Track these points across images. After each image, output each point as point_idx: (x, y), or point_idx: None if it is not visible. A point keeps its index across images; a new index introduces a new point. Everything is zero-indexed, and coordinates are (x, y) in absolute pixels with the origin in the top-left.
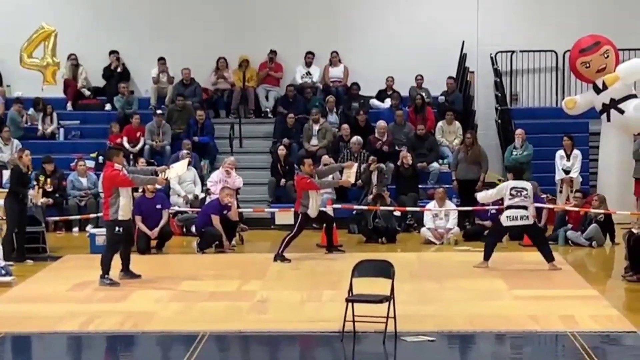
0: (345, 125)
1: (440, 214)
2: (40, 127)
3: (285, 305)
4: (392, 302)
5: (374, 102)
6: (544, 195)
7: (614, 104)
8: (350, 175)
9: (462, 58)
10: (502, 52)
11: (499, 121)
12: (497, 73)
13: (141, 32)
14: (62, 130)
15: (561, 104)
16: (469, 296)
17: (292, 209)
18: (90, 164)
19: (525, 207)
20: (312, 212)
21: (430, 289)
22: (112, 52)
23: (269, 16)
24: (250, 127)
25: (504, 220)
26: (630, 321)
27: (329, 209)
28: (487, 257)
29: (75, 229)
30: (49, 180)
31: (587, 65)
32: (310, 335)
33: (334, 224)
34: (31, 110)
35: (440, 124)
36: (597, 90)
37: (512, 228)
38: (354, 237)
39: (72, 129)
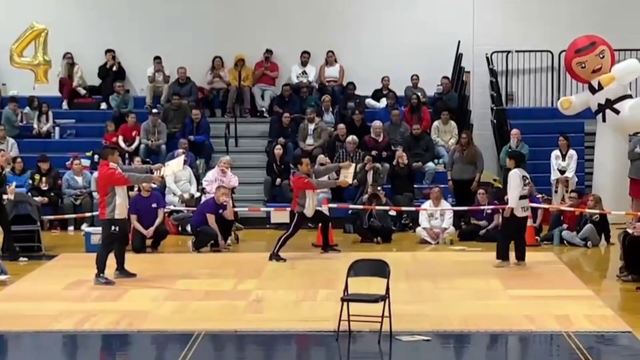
0: (341, 125)
1: (436, 214)
2: (35, 125)
3: (280, 304)
4: (387, 301)
5: (370, 101)
6: (540, 195)
7: (610, 104)
8: (347, 175)
9: (458, 58)
10: (497, 52)
11: (495, 121)
12: (492, 73)
13: (137, 31)
14: (57, 129)
15: (557, 104)
16: (465, 296)
17: (288, 208)
18: (86, 162)
19: (527, 197)
20: (309, 211)
21: (426, 288)
22: (107, 51)
23: (265, 15)
24: (246, 126)
25: (520, 212)
26: (625, 321)
27: (324, 209)
28: (507, 254)
29: (71, 228)
30: (44, 179)
31: (583, 65)
32: (306, 335)
33: (330, 224)
34: (27, 109)
35: (435, 123)
36: (593, 91)
37: (524, 219)
38: (350, 237)
39: (67, 127)
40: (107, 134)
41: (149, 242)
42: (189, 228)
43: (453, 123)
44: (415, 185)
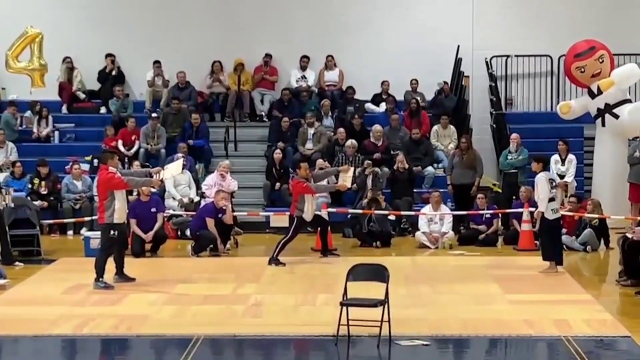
0: (341, 129)
1: (435, 218)
2: (35, 130)
3: (279, 308)
4: (386, 306)
5: (369, 106)
6: None
7: (609, 108)
8: (346, 179)
9: (457, 62)
10: (497, 56)
11: (494, 125)
12: (492, 77)
13: (136, 35)
14: (57, 133)
15: (556, 108)
16: (464, 300)
17: (287, 213)
18: (85, 167)
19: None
20: (308, 216)
21: (425, 293)
22: (107, 55)
23: (264, 20)
24: (245, 130)
25: (550, 214)
26: (624, 325)
27: (323, 213)
28: (559, 258)
29: (70, 232)
30: (43, 183)
31: (582, 70)
32: (305, 339)
33: (329, 228)
34: (28, 113)
35: (435, 128)
36: (592, 95)
37: (557, 220)
38: (349, 241)
39: (67, 132)
40: (106, 138)
41: (148, 246)
42: (188, 232)
43: (452, 127)
44: (414, 190)
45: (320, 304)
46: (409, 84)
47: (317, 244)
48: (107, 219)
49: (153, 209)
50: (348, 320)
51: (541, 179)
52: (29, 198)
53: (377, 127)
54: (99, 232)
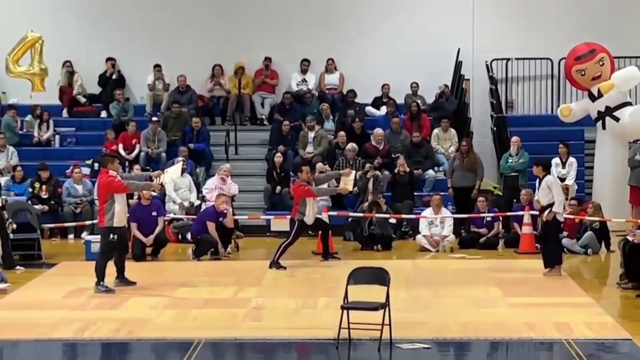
0: (342, 133)
1: (436, 221)
2: (36, 134)
3: (280, 312)
4: (387, 309)
5: (370, 109)
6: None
7: (609, 111)
8: (347, 182)
9: (458, 65)
10: (497, 59)
11: (495, 129)
12: (492, 80)
13: (137, 39)
14: (57, 137)
15: (556, 111)
16: (464, 303)
17: (288, 216)
18: (86, 171)
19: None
20: (309, 219)
21: (426, 296)
22: (108, 59)
23: (265, 23)
24: (246, 134)
25: (561, 216)
26: (625, 328)
27: (324, 216)
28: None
29: (71, 236)
30: (44, 187)
31: (583, 72)
32: (306, 343)
33: (330, 231)
34: (28, 117)
35: (435, 131)
36: (593, 98)
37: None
38: (350, 244)
39: (67, 135)
40: (107, 142)
41: (149, 250)
42: (189, 236)
43: (453, 131)
44: (415, 193)
45: (321, 308)
46: (410, 87)
47: (318, 248)
48: (107, 222)
49: (154, 213)
50: (349, 323)
51: (552, 180)
52: (29, 202)
53: (378, 130)
54: (100, 236)
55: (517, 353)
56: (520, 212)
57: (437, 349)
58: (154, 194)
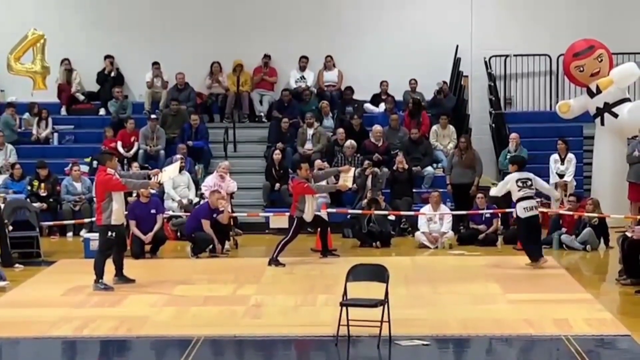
0: (340, 130)
1: (435, 218)
2: (34, 131)
3: (279, 309)
4: (386, 306)
5: (368, 106)
6: (538, 199)
7: (608, 107)
8: (347, 179)
9: (456, 62)
10: (496, 56)
11: (493, 125)
12: (491, 77)
13: (135, 37)
14: (56, 135)
15: (555, 108)
16: (464, 300)
17: (287, 213)
18: (85, 168)
19: (533, 197)
20: (308, 216)
21: (425, 293)
22: (106, 57)
23: (263, 21)
24: (245, 131)
25: (522, 212)
26: (624, 324)
27: (323, 213)
28: (539, 254)
29: (70, 234)
30: (43, 185)
31: (581, 69)
32: (305, 340)
33: (329, 228)
34: (26, 115)
35: (434, 128)
36: (591, 94)
37: (532, 218)
38: (349, 241)
39: (66, 133)
40: (105, 139)
41: (147, 247)
42: None
43: (452, 127)
44: (414, 190)
45: (320, 305)
46: (408, 84)
47: (317, 245)
48: (105, 220)
49: (152, 210)
50: (348, 320)
51: (510, 176)
52: (28, 200)
53: (377, 127)
54: (98, 234)
55: (516, 349)
56: None
57: (436, 345)
58: (153, 191)
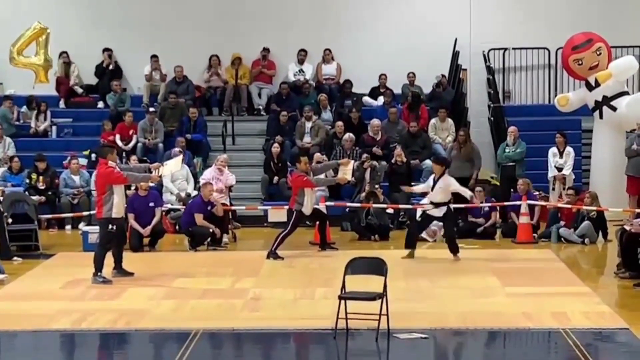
0: (339, 123)
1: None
2: (33, 124)
3: (278, 302)
4: (385, 299)
5: (367, 99)
6: (537, 193)
7: (607, 101)
8: (346, 172)
9: (455, 55)
10: (494, 49)
11: (492, 118)
12: (489, 70)
13: (134, 30)
14: (54, 128)
15: (554, 101)
16: (462, 293)
17: (286, 207)
18: (83, 161)
19: None
20: (307, 209)
21: (423, 286)
22: (104, 50)
23: (262, 14)
24: (243, 124)
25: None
26: (622, 318)
27: (321, 207)
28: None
29: (68, 227)
30: (41, 178)
31: (580, 62)
32: (303, 333)
33: (327, 222)
34: (24, 108)
35: (433, 121)
36: (590, 88)
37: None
38: (347, 235)
39: (64, 126)
40: (104, 132)
41: (146, 240)
42: None
43: (450, 121)
44: (412, 183)
45: (319, 298)
46: (407, 77)
47: (315, 238)
48: (106, 213)
49: (151, 204)
50: (347, 313)
51: (452, 180)
52: (26, 193)
53: (375, 121)
54: (97, 227)
55: (514, 343)
56: (518, 202)
57: (435, 338)
58: (151, 185)
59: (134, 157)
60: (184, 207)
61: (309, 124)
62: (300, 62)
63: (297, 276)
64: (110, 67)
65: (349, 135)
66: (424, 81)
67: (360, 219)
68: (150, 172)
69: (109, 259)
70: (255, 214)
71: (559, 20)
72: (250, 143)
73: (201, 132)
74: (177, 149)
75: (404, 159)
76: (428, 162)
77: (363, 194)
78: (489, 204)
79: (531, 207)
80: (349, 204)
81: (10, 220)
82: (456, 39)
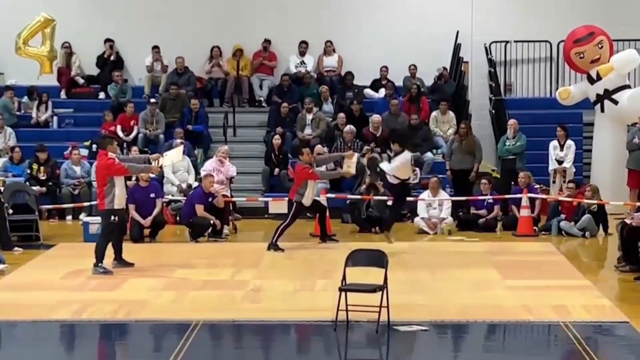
0: (341, 114)
1: (434, 204)
2: (34, 115)
3: (278, 294)
4: (385, 291)
5: (368, 91)
6: (538, 186)
7: (608, 94)
8: (350, 165)
9: (457, 48)
10: (496, 42)
11: (493, 111)
12: (491, 63)
13: (135, 21)
14: (55, 118)
15: (555, 94)
16: (462, 286)
17: (286, 198)
18: (84, 152)
19: None
20: (307, 201)
21: (424, 278)
22: (106, 40)
23: (263, 5)
24: (244, 116)
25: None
26: (622, 311)
27: (322, 198)
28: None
29: (69, 217)
30: (42, 168)
31: (581, 55)
32: (304, 324)
33: (327, 213)
34: (25, 99)
35: (434, 114)
36: (591, 81)
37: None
38: (348, 227)
39: (65, 117)
40: (105, 123)
41: (147, 231)
42: None
43: (451, 113)
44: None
45: (319, 290)
46: (408, 69)
47: (316, 230)
48: (107, 205)
49: (152, 195)
50: (347, 305)
51: (409, 156)
52: (27, 183)
53: (375, 117)
54: (98, 217)
55: (514, 335)
56: (518, 195)
57: (435, 331)
58: (152, 176)
59: (134, 148)
60: (185, 198)
61: (309, 116)
62: (302, 54)
63: (297, 268)
64: (112, 57)
65: (349, 128)
66: (425, 73)
67: (361, 211)
68: (150, 163)
69: (109, 250)
70: (255, 206)
71: (561, 13)
72: (251, 135)
73: (202, 124)
74: (178, 141)
75: None
76: (429, 154)
77: (363, 186)
78: (492, 197)
79: (532, 200)
80: (349, 196)
81: (11, 211)
82: (458, 32)
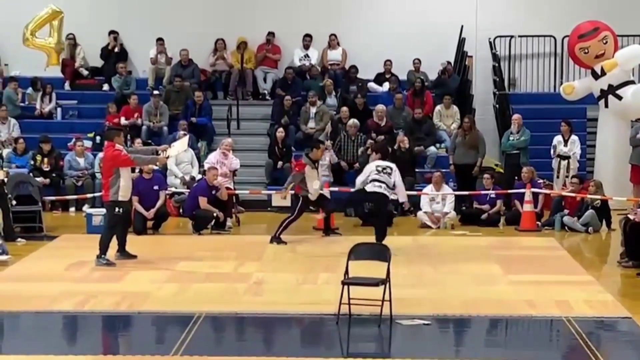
0: (345, 108)
1: (437, 198)
2: (38, 106)
3: (281, 287)
4: (387, 285)
5: (372, 85)
6: (541, 181)
7: (612, 90)
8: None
9: (461, 42)
10: (500, 36)
11: (497, 106)
12: (495, 58)
13: (140, 13)
14: (59, 109)
15: (559, 89)
16: (465, 280)
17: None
18: (88, 144)
19: (384, 182)
20: (313, 195)
21: (426, 272)
22: (110, 32)
23: None
24: (248, 108)
25: (368, 187)
26: (625, 307)
27: (325, 192)
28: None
29: (72, 209)
30: (45, 159)
31: (586, 50)
32: (306, 318)
33: (331, 206)
34: (29, 90)
35: (438, 108)
36: (596, 76)
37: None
38: (351, 220)
39: (69, 108)
40: (109, 115)
41: (150, 223)
42: None
43: (455, 107)
44: (416, 170)
45: (322, 283)
46: (412, 63)
47: (319, 223)
48: (112, 196)
49: (155, 187)
50: (349, 299)
51: (372, 164)
52: (31, 174)
53: (380, 106)
54: (101, 209)
55: (517, 330)
56: (522, 190)
57: (437, 325)
58: (155, 168)
59: (138, 140)
60: (188, 190)
61: (313, 109)
62: (306, 47)
63: (300, 261)
64: (116, 49)
65: (353, 121)
66: (429, 68)
67: (364, 205)
68: (157, 154)
69: (112, 242)
70: (258, 199)
71: (565, 8)
72: (255, 127)
73: (206, 116)
74: (182, 132)
75: (407, 146)
76: (432, 148)
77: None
78: (495, 192)
79: (535, 195)
80: (352, 190)
81: (14, 202)
82: (462, 26)
